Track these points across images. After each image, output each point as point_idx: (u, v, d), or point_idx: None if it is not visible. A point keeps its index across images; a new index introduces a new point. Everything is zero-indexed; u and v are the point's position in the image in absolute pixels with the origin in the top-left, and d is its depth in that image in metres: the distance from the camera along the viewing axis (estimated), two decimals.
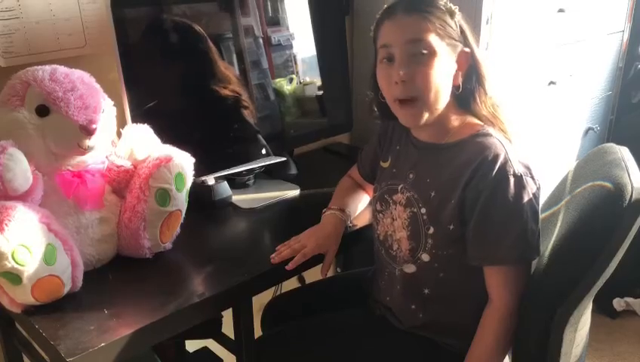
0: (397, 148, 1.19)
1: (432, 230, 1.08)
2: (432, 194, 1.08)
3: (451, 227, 1.06)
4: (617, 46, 2.13)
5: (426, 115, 1.06)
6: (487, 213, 1.02)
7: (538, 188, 1.04)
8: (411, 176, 1.13)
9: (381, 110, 1.16)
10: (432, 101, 1.04)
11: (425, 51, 1.02)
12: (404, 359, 1.17)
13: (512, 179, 1.01)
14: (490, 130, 1.07)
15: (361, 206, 1.33)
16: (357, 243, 1.33)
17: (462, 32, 1.06)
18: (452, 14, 1.05)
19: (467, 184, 1.03)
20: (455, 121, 1.09)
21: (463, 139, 1.07)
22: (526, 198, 1.01)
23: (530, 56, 1.71)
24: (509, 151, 1.03)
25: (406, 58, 1.03)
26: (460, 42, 1.06)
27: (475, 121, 1.09)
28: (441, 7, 1.04)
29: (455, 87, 1.07)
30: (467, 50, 1.07)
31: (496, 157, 1.02)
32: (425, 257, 1.10)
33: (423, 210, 1.09)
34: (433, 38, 1.02)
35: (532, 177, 1.03)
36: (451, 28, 1.04)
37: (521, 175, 1.01)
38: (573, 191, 1.08)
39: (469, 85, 1.08)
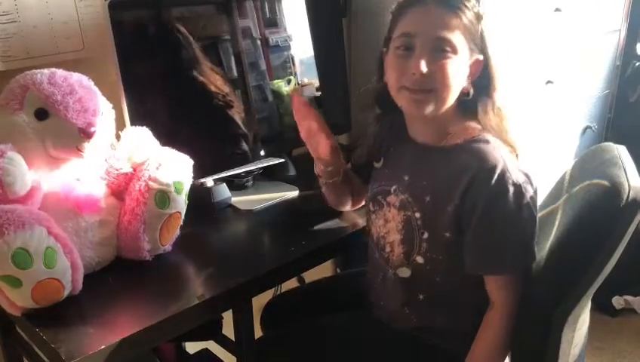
0: (391, 149, 1.18)
1: (426, 235, 1.07)
2: (427, 198, 1.06)
3: (447, 234, 1.05)
4: (614, 45, 2.13)
5: (431, 107, 1.02)
6: (487, 224, 1.01)
7: (535, 193, 1.03)
8: (406, 178, 1.11)
9: (380, 101, 1.14)
10: (443, 96, 1.02)
11: (449, 48, 0.99)
12: (401, 360, 1.17)
13: (511, 189, 0.99)
14: (488, 136, 1.05)
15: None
16: (356, 242, 1.33)
17: (482, 38, 1.04)
18: (479, 18, 1.02)
19: (464, 192, 1.01)
20: (454, 124, 1.08)
21: (460, 144, 1.05)
22: (525, 208, 0.99)
23: (527, 56, 1.72)
24: (506, 159, 1.01)
25: (429, 51, 1.00)
26: (477, 49, 1.04)
27: (474, 125, 1.07)
28: (472, 8, 1.01)
29: (464, 94, 1.05)
30: (481, 58, 1.04)
31: (494, 166, 0.99)
32: (419, 259, 1.09)
33: (418, 215, 1.07)
34: (459, 37, 1.00)
35: (530, 183, 1.01)
36: (475, 32, 1.02)
37: (520, 184, 0.99)
38: (570, 190, 1.08)
39: (479, 94, 1.06)
